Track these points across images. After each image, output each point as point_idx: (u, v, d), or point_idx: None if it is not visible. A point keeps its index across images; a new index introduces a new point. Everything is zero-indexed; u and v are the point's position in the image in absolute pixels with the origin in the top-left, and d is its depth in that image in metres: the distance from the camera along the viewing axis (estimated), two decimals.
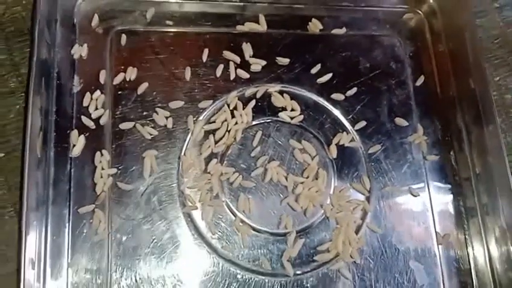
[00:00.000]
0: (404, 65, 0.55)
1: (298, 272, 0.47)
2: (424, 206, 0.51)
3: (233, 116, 0.50)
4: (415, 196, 0.51)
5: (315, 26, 0.55)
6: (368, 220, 0.49)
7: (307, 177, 0.49)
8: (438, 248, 0.50)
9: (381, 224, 0.49)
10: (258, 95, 0.51)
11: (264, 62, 0.52)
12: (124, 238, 0.45)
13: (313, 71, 0.53)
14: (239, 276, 0.46)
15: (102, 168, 0.47)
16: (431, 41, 0.57)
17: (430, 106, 0.54)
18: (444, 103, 0.55)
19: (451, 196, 0.52)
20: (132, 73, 0.50)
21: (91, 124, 0.48)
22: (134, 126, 0.48)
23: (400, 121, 0.53)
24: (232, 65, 0.52)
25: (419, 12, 0.58)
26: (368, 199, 0.50)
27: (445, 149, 0.53)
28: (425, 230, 0.50)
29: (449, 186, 0.52)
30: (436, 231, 0.50)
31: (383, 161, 0.51)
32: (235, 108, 0.50)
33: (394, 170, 0.51)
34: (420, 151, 0.52)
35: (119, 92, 0.49)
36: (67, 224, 0.45)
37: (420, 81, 0.55)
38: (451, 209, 0.51)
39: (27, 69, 0.46)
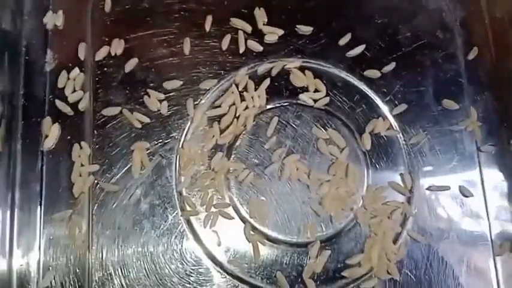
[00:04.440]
0: (454, 34, 0.51)
1: None
2: (477, 208, 0.47)
3: (243, 99, 0.47)
4: (466, 196, 0.47)
5: None
6: (409, 226, 0.46)
7: (335, 175, 0.46)
8: (495, 260, 0.46)
9: (425, 231, 0.46)
10: (274, 73, 0.48)
11: (281, 31, 0.48)
12: (108, 251, 0.42)
13: (342, 42, 0.49)
14: None
15: (82, 165, 0.44)
16: (486, 4, 0.52)
17: (485, 84, 0.50)
18: (502, 81, 0.50)
19: (511, 196, 0.47)
20: (118, 46, 0.47)
21: (67, 110, 0.45)
22: (121, 112, 0.45)
23: (449, 103, 0.49)
24: (241, 35, 0.48)
25: None
26: (409, 201, 0.46)
27: (503, 137, 0.49)
28: (479, 238, 0.46)
29: (509, 183, 0.48)
30: (492, 240, 0.46)
31: (428, 153, 0.47)
32: (245, 89, 0.47)
33: (442, 165, 0.47)
34: (473, 140, 0.48)
35: (102, 70, 0.46)
36: (38, 234, 0.42)
37: (473, 54, 0.50)
38: (511, 212, 0.47)
39: None
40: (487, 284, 0.45)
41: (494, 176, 0.48)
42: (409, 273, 0.44)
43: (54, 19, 0.46)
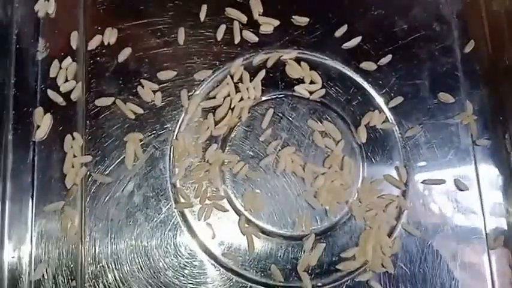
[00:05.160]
0: (451, 27, 0.50)
1: (318, 284, 0.44)
2: (472, 202, 0.47)
3: (238, 90, 0.46)
4: (462, 190, 0.46)
5: None
6: (404, 220, 0.45)
7: (330, 167, 0.45)
8: (489, 254, 0.46)
9: (419, 224, 0.46)
10: (269, 64, 0.47)
11: (276, 22, 0.48)
12: (101, 244, 0.42)
13: (338, 33, 0.48)
14: None
15: (74, 156, 0.43)
16: None
17: (481, 78, 0.50)
18: (498, 74, 0.50)
19: (506, 190, 0.47)
20: (111, 35, 0.46)
21: (60, 100, 0.44)
22: (114, 102, 0.45)
23: (445, 97, 0.48)
24: (237, 26, 0.47)
25: None
26: (404, 194, 0.46)
27: (498, 131, 0.49)
28: (473, 232, 0.46)
29: (504, 177, 0.47)
30: (486, 233, 0.46)
31: (423, 146, 0.47)
32: (240, 80, 0.46)
33: (437, 158, 0.47)
34: (469, 134, 0.48)
35: (95, 60, 0.46)
36: (29, 226, 0.42)
37: (469, 47, 0.50)
38: (505, 206, 0.47)
39: None
40: (481, 277, 0.45)
41: (489, 169, 0.47)
42: (403, 267, 0.44)
43: (46, 7, 0.46)
